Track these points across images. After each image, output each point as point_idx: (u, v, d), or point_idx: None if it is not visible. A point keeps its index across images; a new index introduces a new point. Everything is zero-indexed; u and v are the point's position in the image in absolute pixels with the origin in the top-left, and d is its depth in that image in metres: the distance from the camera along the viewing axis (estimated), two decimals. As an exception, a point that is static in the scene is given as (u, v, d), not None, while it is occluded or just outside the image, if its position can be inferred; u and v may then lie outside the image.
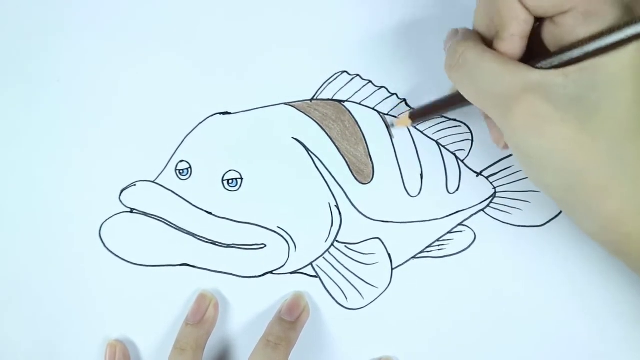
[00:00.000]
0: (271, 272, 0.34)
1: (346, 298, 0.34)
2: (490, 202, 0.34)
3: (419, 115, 0.33)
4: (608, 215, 0.25)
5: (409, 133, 0.35)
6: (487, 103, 0.26)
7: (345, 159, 0.35)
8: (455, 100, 0.31)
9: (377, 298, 0.34)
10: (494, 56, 0.25)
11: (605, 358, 0.33)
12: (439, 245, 0.34)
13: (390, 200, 0.35)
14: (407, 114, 0.34)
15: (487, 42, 0.27)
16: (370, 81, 0.35)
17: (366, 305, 0.34)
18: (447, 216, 0.34)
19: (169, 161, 0.35)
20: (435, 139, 0.35)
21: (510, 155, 0.34)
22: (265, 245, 0.34)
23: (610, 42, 0.22)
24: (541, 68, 0.24)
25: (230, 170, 0.35)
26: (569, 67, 0.24)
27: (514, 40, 0.25)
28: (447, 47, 0.28)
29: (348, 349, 0.34)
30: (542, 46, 0.26)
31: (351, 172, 0.35)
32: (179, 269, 0.34)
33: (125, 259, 0.35)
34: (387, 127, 0.35)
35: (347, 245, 0.34)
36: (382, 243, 0.34)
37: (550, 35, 0.25)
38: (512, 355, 0.33)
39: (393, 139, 0.35)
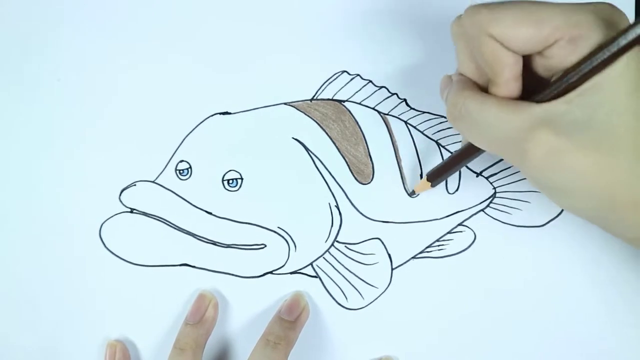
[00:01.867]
0: (271, 272, 0.34)
1: (346, 298, 0.34)
2: (490, 202, 0.34)
3: (436, 176, 0.33)
4: None
5: (409, 133, 0.35)
6: (500, 149, 0.26)
7: (345, 159, 0.35)
8: (468, 153, 0.30)
9: (377, 298, 0.34)
10: (495, 101, 0.25)
11: (604, 356, 0.33)
12: (439, 246, 0.34)
13: (390, 201, 0.35)
14: (425, 178, 0.33)
15: (479, 85, 0.27)
16: (370, 81, 0.35)
17: (366, 306, 0.34)
18: (447, 216, 0.34)
19: (169, 161, 0.35)
20: (435, 139, 0.35)
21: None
22: (265, 246, 0.34)
23: (604, 58, 0.22)
24: (542, 101, 0.24)
25: (230, 170, 0.35)
26: (569, 94, 0.23)
27: (509, 84, 0.25)
28: (446, 99, 0.28)
29: (348, 349, 0.34)
30: (536, 75, 0.26)
31: (351, 172, 0.35)
32: (179, 269, 0.34)
33: (125, 259, 0.35)
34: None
35: (347, 246, 0.34)
36: (382, 243, 0.34)
37: (542, 67, 0.25)
38: (512, 355, 0.33)
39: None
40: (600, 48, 0.22)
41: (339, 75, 0.35)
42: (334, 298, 0.34)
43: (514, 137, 0.25)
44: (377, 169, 0.35)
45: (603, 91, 0.23)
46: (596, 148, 0.24)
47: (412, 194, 0.35)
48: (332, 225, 0.34)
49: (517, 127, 0.24)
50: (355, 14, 0.36)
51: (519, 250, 0.34)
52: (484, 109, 0.25)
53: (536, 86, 0.25)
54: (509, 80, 0.25)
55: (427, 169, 0.35)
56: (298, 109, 0.35)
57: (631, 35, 0.22)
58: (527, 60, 0.25)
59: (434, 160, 0.35)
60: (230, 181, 0.35)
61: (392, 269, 0.34)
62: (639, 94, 0.23)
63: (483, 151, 0.29)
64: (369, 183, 0.35)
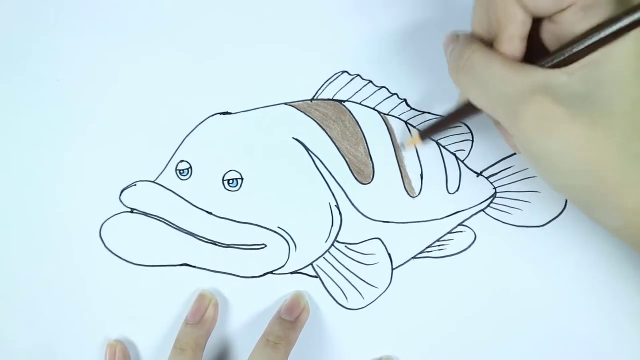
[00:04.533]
0: (271, 273, 0.34)
1: (346, 298, 0.34)
2: (491, 202, 0.34)
3: (428, 133, 0.33)
4: (627, 211, 0.25)
5: (409, 133, 0.35)
6: (495, 107, 0.26)
7: (345, 159, 0.35)
8: (462, 114, 0.30)
9: (377, 298, 0.34)
10: (501, 59, 0.25)
11: (605, 357, 0.33)
12: (439, 246, 0.34)
13: (390, 201, 0.35)
14: (417, 134, 0.34)
15: (488, 45, 0.27)
16: (370, 81, 0.35)
17: (366, 306, 0.34)
18: (448, 216, 0.34)
19: (169, 161, 0.35)
20: (436, 140, 0.35)
21: (511, 156, 0.34)
22: (266, 246, 0.34)
23: (610, 32, 0.22)
24: (544, 67, 0.24)
25: (230, 171, 0.35)
26: (572, 65, 0.24)
27: (514, 41, 0.25)
28: (451, 51, 0.28)
29: (348, 349, 0.34)
30: (542, 46, 0.26)
31: (351, 172, 0.35)
32: (179, 269, 0.34)
33: (126, 259, 0.34)
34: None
35: (348, 246, 0.34)
36: (383, 243, 0.34)
37: (550, 35, 0.25)
38: (513, 356, 0.33)
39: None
40: (609, 21, 0.22)
41: (339, 76, 0.35)
42: (334, 298, 0.34)
43: (511, 97, 0.25)
44: (378, 169, 0.35)
45: (607, 67, 0.23)
46: (591, 123, 0.23)
47: (401, 147, 0.35)
48: (332, 226, 0.34)
49: (516, 88, 0.24)
50: (355, 15, 0.36)
51: (519, 251, 0.34)
52: (489, 65, 0.25)
53: (540, 56, 0.25)
54: (514, 37, 0.25)
55: (427, 169, 0.35)
56: (298, 109, 0.35)
57: None
58: (537, 28, 0.25)
59: (434, 160, 0.35)
60: (231, 181, 0.35)
61: (393, 269, 0.34)
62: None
63: (476, 113, 0.29)
64: (370, 183, 0.35)
